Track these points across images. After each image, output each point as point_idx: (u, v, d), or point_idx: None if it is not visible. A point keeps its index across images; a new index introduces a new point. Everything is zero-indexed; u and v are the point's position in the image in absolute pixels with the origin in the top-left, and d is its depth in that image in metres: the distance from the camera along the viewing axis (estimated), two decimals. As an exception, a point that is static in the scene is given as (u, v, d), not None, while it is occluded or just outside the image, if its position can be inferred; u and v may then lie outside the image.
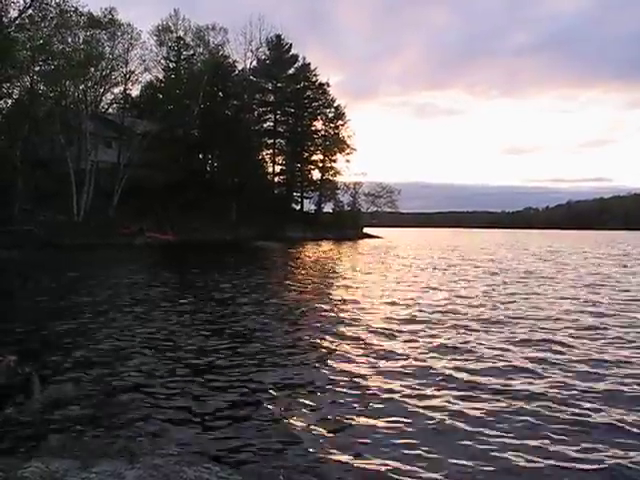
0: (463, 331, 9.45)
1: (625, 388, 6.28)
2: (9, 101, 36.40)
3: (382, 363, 7.36)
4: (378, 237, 67.44)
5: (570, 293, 14.80)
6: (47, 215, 35.13)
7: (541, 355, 7.78)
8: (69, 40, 37.43)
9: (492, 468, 4.33)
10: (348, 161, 66.24)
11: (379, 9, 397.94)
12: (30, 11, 33.02)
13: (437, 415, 5.42)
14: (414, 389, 6.24)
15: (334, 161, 66.38)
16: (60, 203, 36.89)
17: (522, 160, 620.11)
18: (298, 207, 65.99)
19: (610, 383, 6.46)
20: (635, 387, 6.31)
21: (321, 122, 66.70)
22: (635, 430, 5.04)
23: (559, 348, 8.18)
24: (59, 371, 6.77)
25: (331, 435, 4.99)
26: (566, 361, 7.44)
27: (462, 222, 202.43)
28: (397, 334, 9.21)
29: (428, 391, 6.17)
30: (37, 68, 36.28)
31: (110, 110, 48.99)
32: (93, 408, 5.51)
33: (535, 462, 4.43)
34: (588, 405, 5.70)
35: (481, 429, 5.08)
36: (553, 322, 10.31)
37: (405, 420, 5.31)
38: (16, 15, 32.56)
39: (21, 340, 8.50)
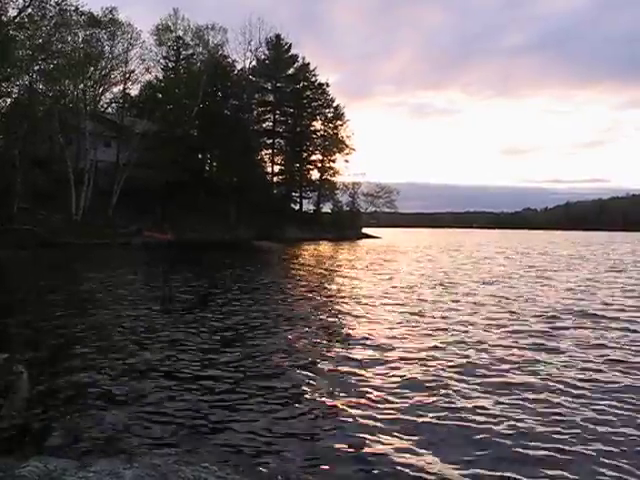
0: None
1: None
2: (8, 100, 36.37)
3: (386, 365, 7.36)
4: (377, 237, 67.47)
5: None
6: (46, 214, 35.08)
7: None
8: (69, 39, 37.35)
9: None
10: (347, 161, 66.41)
11: (374, 9, 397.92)
12: (29, 10, 32.93)
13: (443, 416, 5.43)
14: (418, 392, 6.24)
15: (333, 161, 66.50)
16: (59, 202, 36.85)
17: (518, 161, 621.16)
18: (297, 207, 65.99)
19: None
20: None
21: (320, 122, 66.74)
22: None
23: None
24: (52, 369, 6.77)
25: (331, 435, 4.99)
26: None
27: (460, 222, 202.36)
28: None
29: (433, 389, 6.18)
30: (36, 67, 36.17)
31: (109, 109, 49.00)
32: (89, 407, 5.51)
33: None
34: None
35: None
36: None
37: (411, 422, 5.31)
38: (15, 14, 32.51)
39: (13, 338, 8.50)
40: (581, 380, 6.60)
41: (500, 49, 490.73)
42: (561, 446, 4.74)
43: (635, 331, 9.57)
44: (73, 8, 35.53)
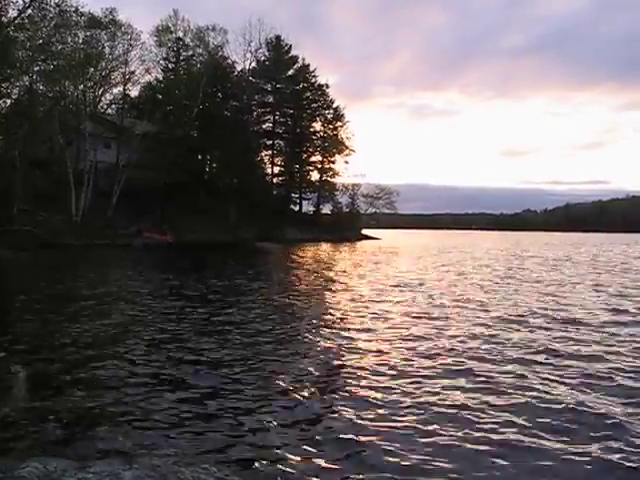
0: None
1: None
2: (8, 101, 36.40)
3: (383, 369, 7.37)
4: (377, 239, 67.53)
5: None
6: (46, 216, 35.10)
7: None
8: (69, 40, 37.39)
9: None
10: (347, 162, 66.55)
11: (373, 10, 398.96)
12: (29, 11, 32.99)
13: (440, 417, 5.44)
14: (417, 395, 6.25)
15: (333, 162, 66.65)
16: (59, 204, 36.89)
17: (518, 162, 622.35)
18: (297, 208, 66.06)
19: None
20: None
21: (320, 123, 66.96)
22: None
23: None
24: (50, 369, 6.77)
25: (330, 437, 4.98)
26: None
27: (460, 224, 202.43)
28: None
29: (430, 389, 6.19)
30: (36, 68, 36.24)
31: (109, 111, 49.03)
32: (88, 407, 5.50)
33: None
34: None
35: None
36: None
37: (409, 423, 5.32)
38: (15, 15, 32.55)
39: (12, 338, 8.49)
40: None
41: (500, 50, 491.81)
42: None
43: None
44: (73, 9, 35.68)
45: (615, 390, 6.26)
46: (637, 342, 8.72)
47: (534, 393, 6.11)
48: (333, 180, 67.12)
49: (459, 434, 4.98)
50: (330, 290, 16.02)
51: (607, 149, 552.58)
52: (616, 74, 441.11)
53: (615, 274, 21.24)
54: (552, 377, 6.75)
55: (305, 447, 4.74)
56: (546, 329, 9.79)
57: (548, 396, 6.01)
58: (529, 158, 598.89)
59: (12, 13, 32.54)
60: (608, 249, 47.25)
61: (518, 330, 9.72)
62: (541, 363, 7.42)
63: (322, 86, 66.08)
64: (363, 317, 11.06)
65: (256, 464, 4.39)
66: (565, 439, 4.89)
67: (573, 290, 15.91)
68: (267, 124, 64.17)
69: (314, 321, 10.62)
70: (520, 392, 6.15)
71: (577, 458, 4.51)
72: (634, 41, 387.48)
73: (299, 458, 4.52)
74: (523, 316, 11.12)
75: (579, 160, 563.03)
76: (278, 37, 62.39)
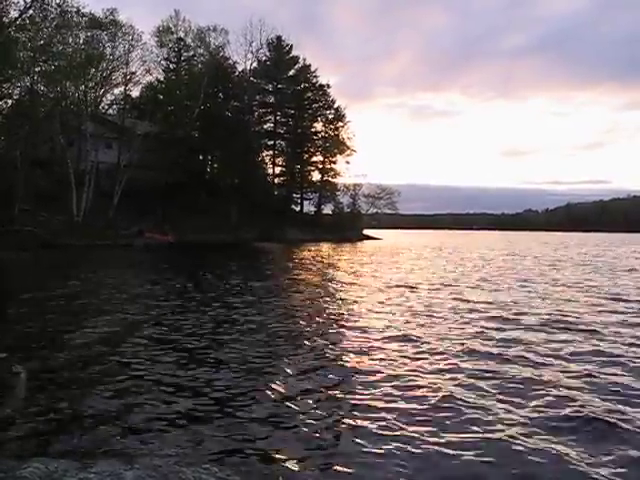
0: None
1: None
2: (9, 101, 36.47)
3: (381, 370, 7.36)
4: (378, 239, 67.54)
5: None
6: (47, 216, 35.14)
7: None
8: (70, 41, 37.50)
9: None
10: (348, 162, 66.56)
11: (374, 10, 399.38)
12: (31, 11, 33.10)
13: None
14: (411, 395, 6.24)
15: (334, 162, 66.61)
16: (60, 204, 36.93)
17: (519, 162, 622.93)
18: (298, 208, 66.06)
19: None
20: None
21: (321, 123, 66.95)
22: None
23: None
24: (51, 370, 6.75)
25: (330, 437, 4.98)
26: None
27: (461, 224, 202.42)
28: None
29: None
30: (37, 69, 36.32)
31: (110, 111, 49.09)
32: (89, 408, 5.49)
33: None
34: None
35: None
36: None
37: (405, 424, 5.31)
38: (17, 15, 32.61)
39: (13, 339, 8.49)
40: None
41: (501, 51, 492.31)
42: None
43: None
44: (74, 9, 35.89)
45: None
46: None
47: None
48: (334, 180, 67.21)
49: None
50: (324, 290, 16.01)
51: (608, 149, 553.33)
52: (617, 74, 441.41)
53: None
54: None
55: (306, 447, 4.74)
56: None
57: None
58: (530, 158, 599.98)
59: (13, 14, 32.70)
60: (609, 248, 47.24)
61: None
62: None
63: (323, 86, 66.18)
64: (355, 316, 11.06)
65: (257, 464, 4.38)
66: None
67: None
68: (268, 124, 64.25)
69: (311, 321, 10.62)
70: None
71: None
72: (635, 41, 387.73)
73: (300, 458, 4.52)
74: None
75: (580, 160, 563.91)
76: (279, 37, 62.48)
